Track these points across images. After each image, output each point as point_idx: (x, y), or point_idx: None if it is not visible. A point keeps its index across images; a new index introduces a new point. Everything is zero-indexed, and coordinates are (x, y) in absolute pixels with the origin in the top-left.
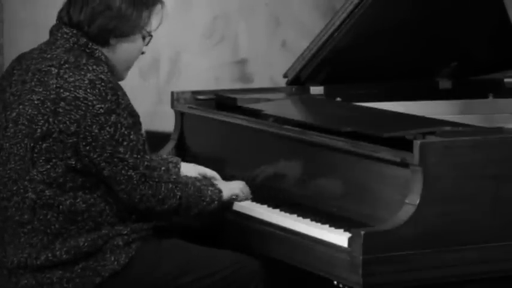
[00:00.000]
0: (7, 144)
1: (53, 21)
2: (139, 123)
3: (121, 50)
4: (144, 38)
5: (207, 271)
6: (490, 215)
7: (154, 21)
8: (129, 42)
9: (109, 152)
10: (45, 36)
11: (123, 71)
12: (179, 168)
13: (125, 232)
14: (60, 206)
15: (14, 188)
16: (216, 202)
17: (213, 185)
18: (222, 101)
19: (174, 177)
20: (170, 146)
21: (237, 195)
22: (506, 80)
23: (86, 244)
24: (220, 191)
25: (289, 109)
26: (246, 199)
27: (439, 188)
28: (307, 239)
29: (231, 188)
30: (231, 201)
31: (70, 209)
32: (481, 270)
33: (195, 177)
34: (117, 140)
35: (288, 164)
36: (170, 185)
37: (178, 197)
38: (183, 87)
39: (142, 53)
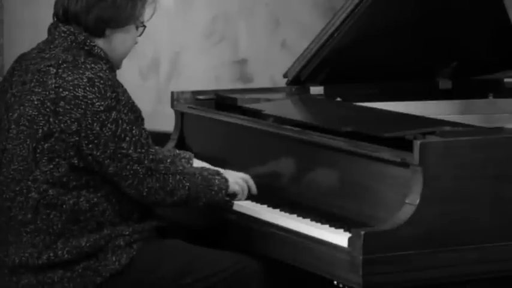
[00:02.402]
0: (10, 145)
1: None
2: (142, 118)
3: (116, 41)
4: (137, 28)
5: (207, 272)
6: (490, 215)
7: (147, 12)
8: (124, 32)
9: (112, 149)
10: (45, 36)
11: (119, 61)
12: (191, 164)
13: (127, 232)
14: (64, 206)
15: (17, 188)
16: (223, 191)
17: (219, 174)
18: (222, 101)
19: (181, 168)
20: (170, 146)
21: (236, 193)
22: (506, 80)
23: (87, 244)
24: (226, 180)
25: (289, 109)
26: (244, 196)
27: (439, 188)
28: (307, 239)
29: (234, 180)
30: (230, 200)
31: (73, 209)
32: (481, 270)
33: (201, 167)
34: (119, 136)
35: (288, 164)
36: (178, 176)
37: (187, 187)
38: (183, 87)
39: (135, 43)
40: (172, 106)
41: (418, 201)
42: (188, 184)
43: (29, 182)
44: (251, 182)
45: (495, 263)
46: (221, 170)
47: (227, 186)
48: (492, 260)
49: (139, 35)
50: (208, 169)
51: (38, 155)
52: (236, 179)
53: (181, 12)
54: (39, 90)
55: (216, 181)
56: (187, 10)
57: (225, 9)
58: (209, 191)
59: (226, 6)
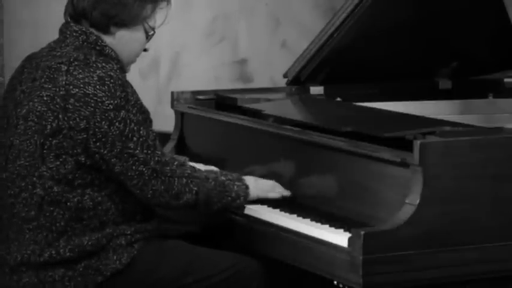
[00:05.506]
0: (17, 140)
1: (53, 21)
2: (150, 120)
3: (122, 40)
4: (146, 32)
5: (208, 272)
6: (490, 215)
7: (158, 17)
8: (130, 32)
9: (119, 148)
10: (45, 36)
11: (126, 64)
12: None
13: (129, 232)
14: (68, 203)
15: (23, 184)
16: (242, 198)
17: (240, 179)
18: (222, 101)
19: (189, 171)
20: (170, 146)
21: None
22: (506, 80)
23: (89, 243)
24: (247, 187)
25: (289, 109)
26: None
27: (439, 188)
28: (307, 239)
29: (260, 188)
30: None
31: (77, 206)
32: (481, 270)
33: (221, 171)
34: (127, 135)
35: (288, 164)
36: (184, 180)
37: (194, 192)
38: (183, 87)
39: (145, 50)
40: (172, 106)
41: (418, 201)
42: (196, 188)
43: (34, 178)
44: (279, 189)
45: (495, 263)
46: (245, 177)
47: (247, 193)
48: (492, 260)
49: (148, 39)
50: (228, 174)
51: (45, 151)
52: (259, 185)
53: (181, 12)
54: (49, 86)
55: (235, 187)
56: (187, 10)
57: (225, 9)
58: (225, 196)
59: (226, 6)
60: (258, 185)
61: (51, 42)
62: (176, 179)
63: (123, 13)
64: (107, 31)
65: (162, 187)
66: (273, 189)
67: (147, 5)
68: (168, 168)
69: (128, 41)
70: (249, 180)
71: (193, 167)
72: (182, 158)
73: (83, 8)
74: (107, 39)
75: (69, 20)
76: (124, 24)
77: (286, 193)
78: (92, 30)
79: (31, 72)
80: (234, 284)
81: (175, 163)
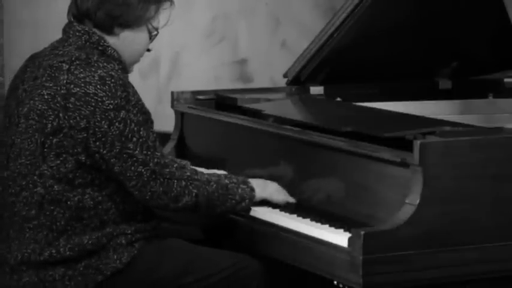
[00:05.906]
0: (18, 139)
1: (53, 21)
2: (151, 121)
3: (126, 41)
4: (150, 32)
5: (208, 271)
6: (490, 215)
7: (161, 18)
8: (134, 33)
9: (118, 148)
10: (45, 36)
11: (129, 64)
12: None
13: (129, 231)
14: (68, 202)
15: (23, 183)
16: (247, 201)
17: (245, 182)
18: (222, 101)
19: (188, 174)
20: (170, 146)
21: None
22: (506, 80)
23: (90, 242)
24: (252, 190)
25: (289, 109)
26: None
27: (439, 188)
28: (307, 239)
29: (263, 189)
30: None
31: (77, 206)
32: (481, 270)
33: (225, 175)
34: (127, 136)
35: (288, 164)
36: (183, 182)
37: (194, 194)
38: (183, 87)
39: (149, 50)
40: (172, 106)
41: (418, 201)
42: (196, 191)
43: (35, 177)
44: (283, 192)
45: (495, 263)
46: (251, 179)
47: (252, 196)
48: (492, 260)
49: (151, 40)
50: (232, 177)
51: (46, 150)
52: (265, 188)
53: (181, 12)
54: (51, 85)
55: (239, 190)
56: (187, 10)
57: (225, 9)
58: (229, 199)
59: (226, 6)
60: (262, 186)
61: (54, 42)
62: (175, 181)
63: (128, 14)
64: (110, 32)
65: (161, 189)
66: (278, 193)
67: (150, 6)
68: (167, 170)
69: (131, 41)
70: (254, 182)
71: (195, 170)
72: (183, 162)
73: (87, 8)
74: (110, 40)
75: (72, 20)
76: (128, 25)
77: (291, 200)
78: (95, 30)
79: (33, 71)
80: (234, 283)
81: (175, 165)
